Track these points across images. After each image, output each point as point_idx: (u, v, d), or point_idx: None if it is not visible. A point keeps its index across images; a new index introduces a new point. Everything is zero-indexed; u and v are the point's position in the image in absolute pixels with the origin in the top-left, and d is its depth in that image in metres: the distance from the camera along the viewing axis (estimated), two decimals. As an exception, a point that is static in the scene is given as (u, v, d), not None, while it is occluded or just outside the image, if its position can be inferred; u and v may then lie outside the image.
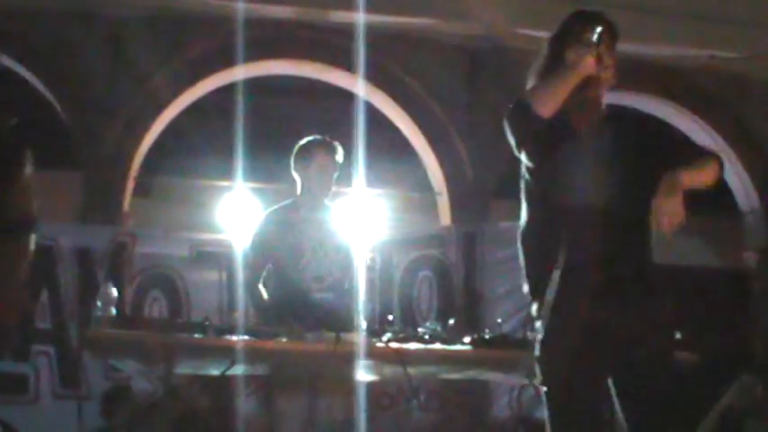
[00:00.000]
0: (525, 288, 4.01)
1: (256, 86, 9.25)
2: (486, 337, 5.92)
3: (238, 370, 5.65)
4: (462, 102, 9.87)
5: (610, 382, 3.85)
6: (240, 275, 6.37)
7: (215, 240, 8.75)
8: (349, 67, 9.50)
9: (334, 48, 9.44)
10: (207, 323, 5.47)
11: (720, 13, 9.83)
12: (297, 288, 6.08)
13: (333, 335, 5.36)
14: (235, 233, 8.85)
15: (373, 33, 9.35)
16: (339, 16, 9.11)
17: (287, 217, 6.24)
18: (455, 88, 9.85)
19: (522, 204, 4.04)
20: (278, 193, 9.70)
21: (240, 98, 8.59)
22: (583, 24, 3.94)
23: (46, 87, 9.17)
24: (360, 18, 8.92)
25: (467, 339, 5.77)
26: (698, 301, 11.30)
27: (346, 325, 5.68)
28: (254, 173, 9.25)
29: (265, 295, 6.17)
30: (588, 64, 3.81)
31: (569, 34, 3.97)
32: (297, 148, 6.33)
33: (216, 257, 8.58)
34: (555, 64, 3.94)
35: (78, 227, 8.75)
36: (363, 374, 5.69)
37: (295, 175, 6.31)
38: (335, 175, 6.26)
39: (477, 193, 9.76)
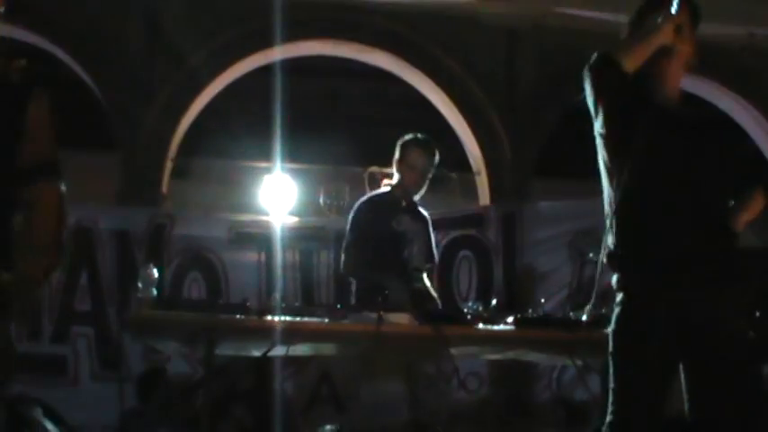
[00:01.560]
0: (604, 258, 3.94)
1: (294, 67, 9.22)
2: (529, 316, 5.87)
3: (279, 351, 5.64)
4: (501, 81, 9.81)
5: (681, 369, 3.80)
6: (341, 256, 6.43)
7: (253, 221, 8.76)
8: (387, 46, 9.46)
9: (373, 28, 9.39)
10: (247, 304, 5.46)
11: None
12: (398, 277, 6.13)
13: (374, 315, 5.34)
14: (273, 214, 8.86)
15: (412, 12, 9.31)
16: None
17: (387, 206, 6.35)
18: (494, 67, 9.78)
19: (601, 178, 3.97)
20: (316, 173, 9.73)
21: (278, 79, 8.56)
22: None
23: (83, 69, 9.17)
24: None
25: (509, 319, 5.73)
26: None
27: (441, 312, 5.84)
28: (292, 154, 9.23)
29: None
30: (667, 30, 3.82)
31: (652, 5, 3.96)
32: (399, 142, 6.46)
33: (254, 239, 8.59)
34: (638, 26, 3.95)
35: (117, 209, 8.77)
36: (406, 354, 5.67)
37: (395, 167, 6.43)
38: (428, 173, 6.38)
39: (517, 173, 9.69)
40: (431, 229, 6.54)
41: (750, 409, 3.71)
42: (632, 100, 3.83)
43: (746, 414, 3.71)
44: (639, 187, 3.77)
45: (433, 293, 6.37)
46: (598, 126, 3.90)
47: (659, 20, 3.84)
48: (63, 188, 3.44)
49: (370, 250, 6.26)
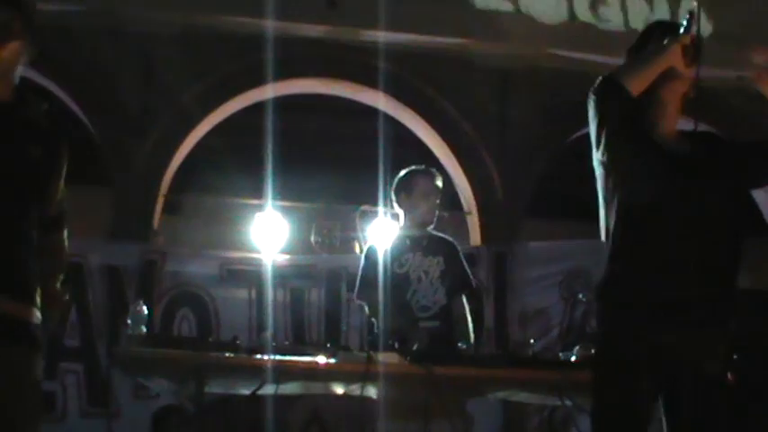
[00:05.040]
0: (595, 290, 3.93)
1: (286, 105, 9.25)
2: (519, 356, 5.86)
3: (269, 389, 5.62)
4: (494, 121, 9.85)
5: (661, 400, 3.80)
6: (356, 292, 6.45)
7: (244, 259, 8.75)
8: (380, 86, 9.50)
9: (365, 67, 9.43)
10: (237, 341, 5.45)
11: (746, 33, 9.78)
12: (405, 317, 6.14)
13: (364, 354, 5.34)
14: (264, 251, 8.85)
15: (404, 52, 9.35)
16: (370, 35, 9.11)
17: (391, 247, 6.32)
18: (487, 108, 9.83)
19: (600, 213, 3.93)
20: (308, 211, 9.74)
21: (270, 116, 8.58)
22: (669, 24, 3.98)
23: (77, 104, 9.19)
24: (390, 37, 8.92)
25: (498, 359, 5.72)
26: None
27: (452, 351, 5.76)
28: (283, 191, 9.24)
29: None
30: (675, 50, 3.77)
31: (655, 31, 3.95)
32: (398, 179, 6.45)
33: (245, 276, 8.57)
34: (643, 47, 3.92)
35: (108, 244, 8.75)
36: (393, 393, 5.65)
37: (397, 205, 6.42)
38: (438, 202, 6.37)
39: (508, 213, 9.72)
40: (460, 252, 6.49)
41: None
42: (635, 128, 3.79)
43: None
44: (635, 223, 3.74)
45: (468, 320, 6.33)
46: (599, 154, 3.85)
47: (666, 41, 3.81)
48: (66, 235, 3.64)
49: (379, 295, 6.26)
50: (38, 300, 3.45)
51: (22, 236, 3.37)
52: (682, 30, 3.82)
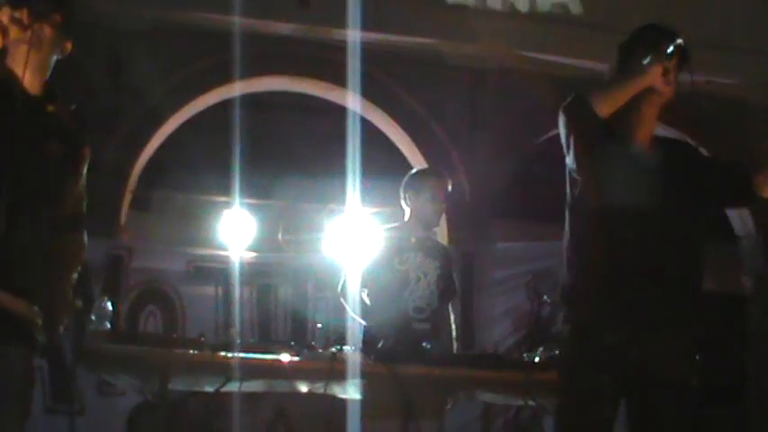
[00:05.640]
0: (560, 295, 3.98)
1: (255, 102, 9.23)
2: (483, 356, 5.89)
3: (233, 387, 5.62)
4: (463, 122, 9.86)
5: (624, 401, 3.83)
6: (342, 286, 6.40)
7: (212, 256, 8.73)
8: (349, 85, 9.49)
9: (335, 65, 9.41)
10: (202, 339, 5.45)
11: (717, 38, 9.84)
12: (398, 316, 6.15)
13: (329, 352, 5.35)
14: (232, 249, 8.83)
15: (374, 52, 9.35)
16: (340, 34, 9.10)
17: (395, 242, 6.32)
18: (456, 109, 9.84)
19: (565, 216, 4.00)
20: (276, 209, 9.70)
21: (238, 114, 8.56)
22: (657, 37, 3.94)
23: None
24: (361, 36, 8.92)
25: (462, 359, 5.74)
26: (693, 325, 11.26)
27: (442, 354, 5.80)
28: (251, 189, 9.22)
29: (368, 301, 6.28)
30: (656, 74, 3.82)
31: (642, 44, 3.95)
32: (407, 177, 6.47)
33: (212, 273, 8.56)
34: (622, 68, 3.94)
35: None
36: (357, 392, 5.66)
37: (404, 203, 6.41)
38: (444, 205, 6.40)
39: (476, 214, 9.73)
40: (451, 260, 6.55)
41: None
42: (604, 142, 3.83)
43: None
44: (602, 229, 3.80)
45: (452, 327, 6.38)
46: (569, 161, 3.91)
47: (646, 62, 3.83)
48: (85, 239, 3.61)
49: (372, 290, 6.26)
50: (42, 300, 3.39)
51: (29, 234, 3.33)
52: (668, 51, 3.86)
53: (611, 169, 3.83)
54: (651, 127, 3.99)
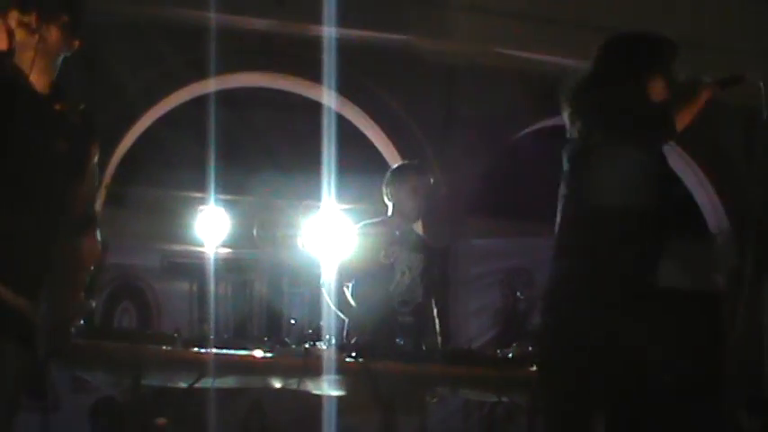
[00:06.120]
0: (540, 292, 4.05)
1: (231, 98, 9.22)
2: (457, 353, 5.91)
3: (206, 383, 5.62)
4: (438, 119, 9.87)
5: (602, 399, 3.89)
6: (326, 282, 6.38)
7: (187, 252, 8.72)
8: (325, 81, 9.49)
9: (310, 62, 9.41)
10: (176, 335, 5.44)
11: (692, 37, 9.88)
12: (384, 310, 6.15)
13: (302, 348, 5.36)
14: (207, 245, 8.83)
15: (350, 48, 9.35)
16: (316, 30, 9.10)
17: (380, 236, 6.31)
18: (431, 105, 9.85)
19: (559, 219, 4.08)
20: (251, 205, 9.70)
21: (214, 110, 8.55)
22: (669, 52, 4.16)
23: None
24: (337, 33, 8.92)
25: (437, 355, 5.75)
26: (669, 323, 11.32)
27: (427, 348, 5.80)
28: (226, 185, 9.21)
29: (352, 302, 6.25)
30: (708, 95, 4.02)
31: (654, 62, 4.11)
32: (389, 172, 6.47)
33: (187, 269, 8.55)
34: (640, 90, 4.02)
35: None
36: (332, 389, 5.67)
37: (386, 198, 6.40)
38: (429, 199, 6.39)
39: (451, 211, 9.75)
40: (437, 254, 6.55)
41: None
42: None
43: None
44: (582, 227, 3.91)
45: (436, 323, 6.37)
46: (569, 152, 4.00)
47: (701, 87, 4.03)
48: (99, 239, 3.59)
49: (356, 284, 6.27)
50: (45, 296, 3.40)
51: (35, 233, 3.33)
52: (723, 82, 4.07)
53: (592, 173, 3.93)
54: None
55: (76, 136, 3.50)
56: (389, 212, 6.40)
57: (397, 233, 6.33)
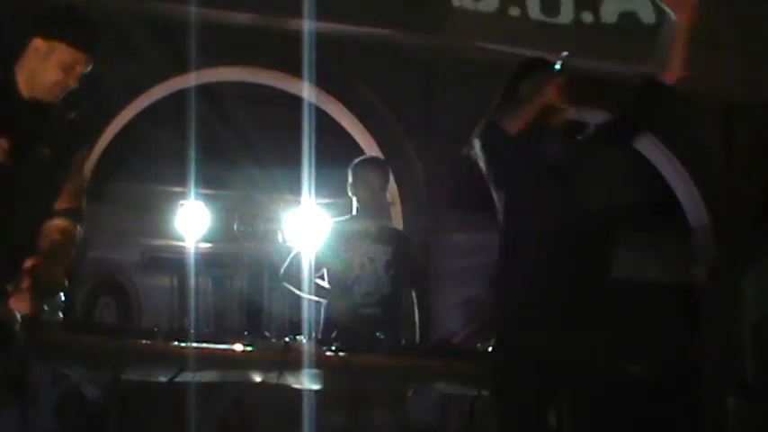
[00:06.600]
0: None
1: (211, 93, 9.20)
2: (438, 347, 5.92)
3: (187, 377, 5.61)
4: (418, 113, 9.88)
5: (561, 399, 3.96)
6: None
7: (167, 247, 8.71)
8: (305, 75, 9.49)
9: (291, 56, 9.40)
10: (156, 329, 5.44)
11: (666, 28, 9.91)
12: (346, 303, 6.19)
13: (282, 342, 5.36)
14: (187, 240, 8.82)
15: (330, 42, 9.34)
16: (296, 24, 9.09)
17: (341, 231, 6.37)
18: (412, 99, 9.86)
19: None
20: (232, 200, 9.69)
21: (194, 104, 8.54)
22: (543, 63, 4.32)
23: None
24: (317, 26, 8.92)
25: (416, 349, 5.77)
26: (647, 316, 11.38)
27: (392, 339, 5.83)
28: (207, 180, 9.20)
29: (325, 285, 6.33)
30: (552, 91, 4.11)
31: (530, 69, 4.34)
32: (350, 168, 6.52)
33: (168, 264, 8.55)
34: (515, 92, 4.28)
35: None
36: (311, 383, 5.67)
37: (350, 193, 6.47)
38: (384, 192, 6.53)
39: (431, 204, 9.77)
40: (413, 246, 6.55)
41: None
42: (518, 159, 4.14)
43: None
44: (521, 238, 4.13)
45: (415, 312, 6.44)
46: (491, 183, 4.28)
47: (542, 82, 4.15)
48: (80, 231, 3.63)
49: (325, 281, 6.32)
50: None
51: (17, 235, 3.34)
52: (556, 67, 4.19)
53: (531, 183, 4.13)
54: (558, 137, 4.23)
55: (61, 143, 3.54)
56: (353, 207, 6.46)
57: (358, 227, 6.37)
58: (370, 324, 5.98)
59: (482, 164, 4.24)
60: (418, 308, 6.51)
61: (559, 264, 3.98)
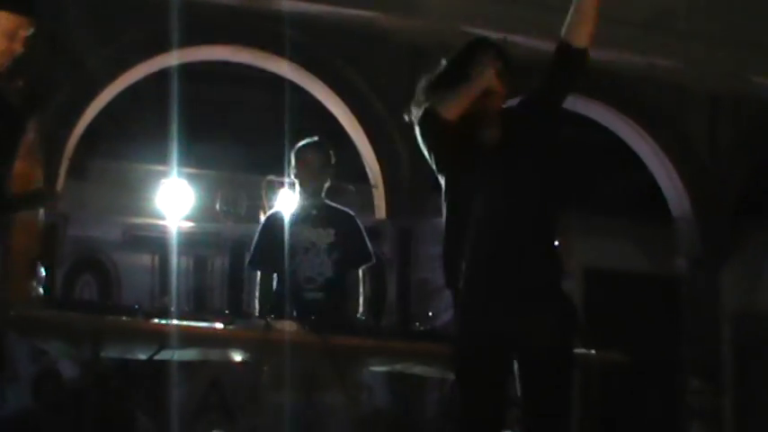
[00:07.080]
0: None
1: (194, 71, 9.17)
2: (417, 330, 5.92)
3: (166, 355, 5.60)
4: (403, 97, 9.82)
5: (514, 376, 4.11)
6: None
7: (148, 225, 8.70)
8: (289, 55, 9.46)
9: (275, 36, 9.37)
10: (136, 306, 5.42)
11: (660, 22, 9.94)
12: (290, 288, 6.14)
13: (263, 321, 5.35)
14: (169, 218, 8.81)
15: (316, 23, 9.32)
16: (281, 4, 9.06)
17: (282, 217, 6.33)
18: (396, 83, 9.83)
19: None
20: (214, 179, 9.68)
21: (177, 83, 8.50)
22: (483, 46, 4.35)
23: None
24: (302, 8, 8.90)
25: (395, 332, 5.77)
26: (629, 306, 11.42)
27: (337, 324, 5.74)
28: (189, 158, 9.18)
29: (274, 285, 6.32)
30: (489, 75, 4.16)
31: (469, 53, 4.34)
32: (292, 151, 6.45)
33: (149, 242, 8.54)
34: (456, 77, 4.29)
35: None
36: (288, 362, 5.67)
37: (292, 177, 6.42)
38: (325, 172, 6.35)
39: (414, 188, 9.76)
40: (358, 226, 6.47)
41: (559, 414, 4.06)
42: (456, 144, 4.18)
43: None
44: (464, 222, 4.15)
45: (360, 297, 6.38)
46: (434, 167, 4.31)
47: (480, 67, 4.20)
48: (42, 216, 3.60)
49: (268, 267, 6.31)
50: None
51: None
52: (494, 56, 4.25)
53: (468, 166, 4.19)
54: (495, 118, 4.25)
55: (7, 115, 3.49)
56: (296, 191, 6.43)
57: (300, 211, 6.33)
58: (313, 308, 5.93)
59: (423, 149, 4.29)
60: (367, 286, 6.48)
61: (500, 244, 4.08)
